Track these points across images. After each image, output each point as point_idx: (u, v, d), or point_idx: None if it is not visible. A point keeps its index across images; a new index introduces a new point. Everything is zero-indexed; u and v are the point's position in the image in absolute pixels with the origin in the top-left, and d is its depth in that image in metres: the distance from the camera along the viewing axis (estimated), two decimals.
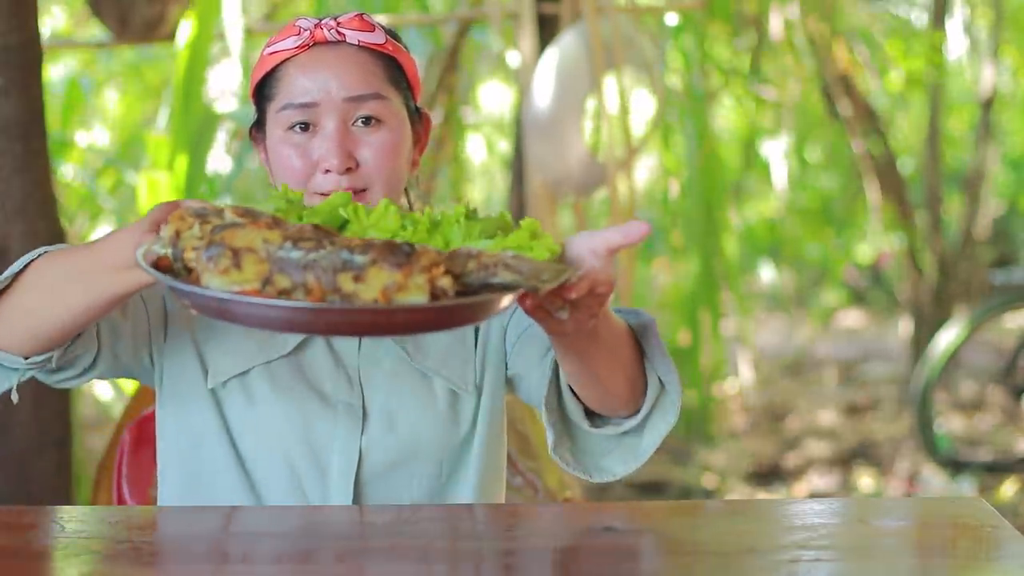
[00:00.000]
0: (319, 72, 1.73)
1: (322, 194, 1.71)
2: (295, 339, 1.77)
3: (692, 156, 5.80)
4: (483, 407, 1.80)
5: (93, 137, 6.59)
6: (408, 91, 1.79)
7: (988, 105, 7.48)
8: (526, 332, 1.77)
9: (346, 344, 1.78)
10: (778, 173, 7.78)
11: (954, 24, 7.78)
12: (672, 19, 5.60)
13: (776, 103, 7.15)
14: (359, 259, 1.29)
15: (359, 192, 1.72)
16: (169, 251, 1.36)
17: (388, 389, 1.76)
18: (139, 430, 2.13)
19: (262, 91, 1.78)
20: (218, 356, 1.76)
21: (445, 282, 1.29)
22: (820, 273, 9.75)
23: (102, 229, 6.12)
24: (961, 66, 9.06)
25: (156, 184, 4.02)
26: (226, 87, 4.13)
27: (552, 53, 4.07)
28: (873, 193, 7.01)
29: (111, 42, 4.25)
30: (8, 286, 1.59)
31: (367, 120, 1.73)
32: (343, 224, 1.47)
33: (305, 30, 1.74)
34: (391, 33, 1.80)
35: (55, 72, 5.68)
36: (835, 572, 1.43)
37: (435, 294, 1.29)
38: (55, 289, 1.56)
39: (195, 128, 4.04)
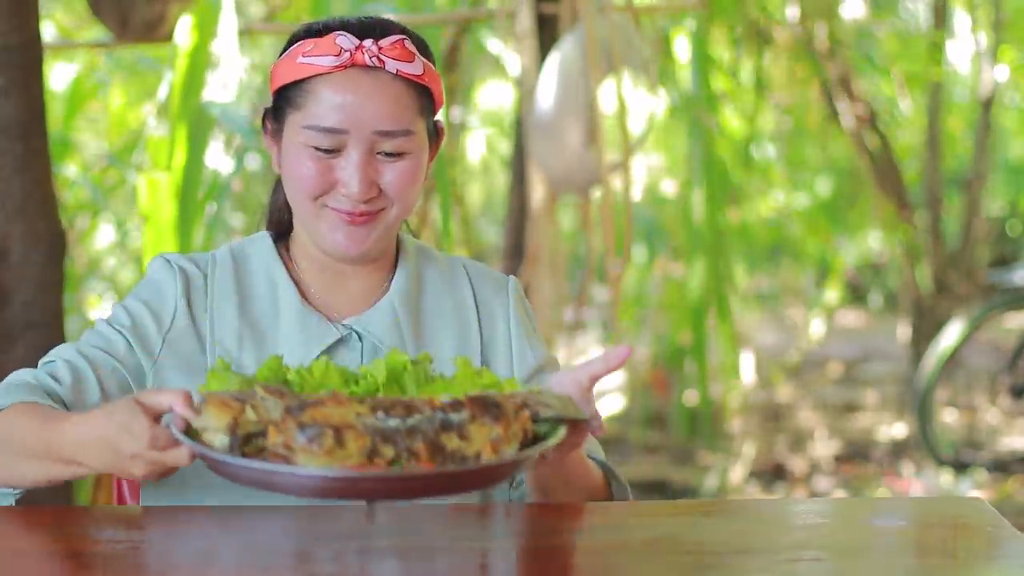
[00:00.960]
0: (352, 98, 1.69)
1: (336, 209, 1.72)
2: None
3: (693, 156, 5.80)
4: None
5: (93, 137, 6.59)
6: (432, 111, 1.78)
7: (988, 106, 7.47)
8: None
9: (348, 363, 1.77)
10: (778, 173, 7.78)
11: (954, 24, 7.78)
12: (672, 19, 5.60)
13: (776, 103, 7.15)
14: (457, 417, 1.36)
15: (369, 213, 1.72)
16: (228, 440, 1.36)
17: None
18: None
19: (286, 92, 1.74)
20: None
21: (530, 426, 1.40)
22: (820, 273, 9.74)
23: (102, 229, 6.12)
24: (961, 66, 9.05)
25: (156, 184, 4.02)
26: (225, 89, 4.13)
27: (556, 54, 4.07)
28: (873, 193, 7.01)
29: (111, 42, 4.25)
30: None
31: (392, 152, 1.72)
32: (285, 382, 1.53)
33: (345, 51, 1.69)
34: (422, 48, 1.76)
35: (56, 72, 5.68)
36: (835, 572, 1.43)
37: (524, 438, 1.39)
38: (14, 457, 1.60)
39: (194, 128, 4.03)
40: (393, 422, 1.34)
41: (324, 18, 1.78)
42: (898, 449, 6.08)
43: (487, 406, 1.38)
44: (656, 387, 6.69)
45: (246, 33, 4.44)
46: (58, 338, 2.80)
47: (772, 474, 5.76)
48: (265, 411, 1.37)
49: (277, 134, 1.78)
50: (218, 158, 4.42)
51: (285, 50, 1.77)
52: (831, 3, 6.60)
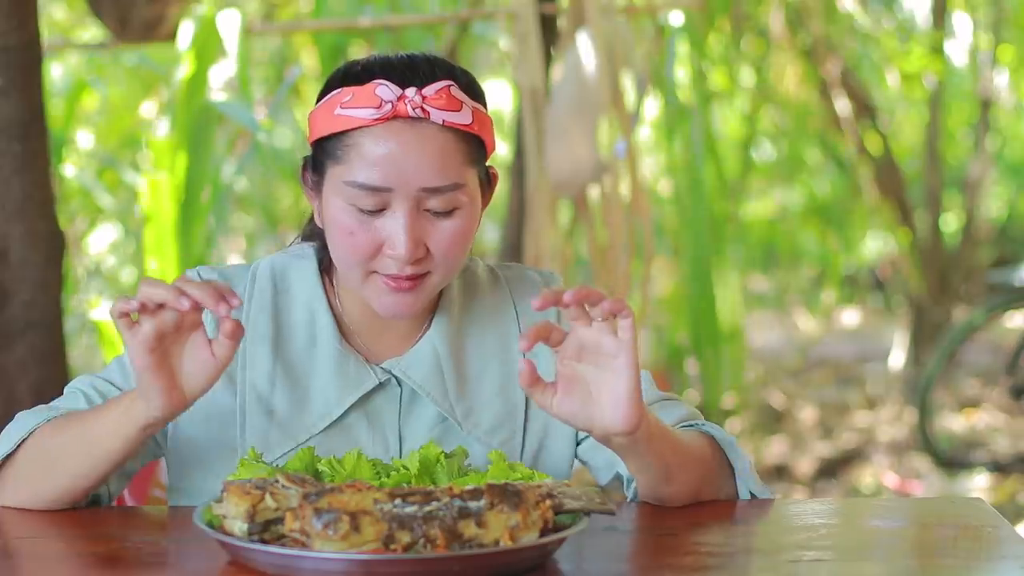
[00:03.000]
0: (396, 153, 1.56)
1: (383, 275, 1.60)
2: (330, 418, 1.68)
3: (691, 156, 5.79)
4: None
5: (92, 137, 6.59)
6: (484, 159, 1.66)
7: (988, 105, 7.48)
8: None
9: (386, 407, 1.70)
10: (777, 173, 7.78)
11: (954, 24, 7.78)
12: (672, 18, 5.59)
13: (776, 103, 7.15)
14: (475, 505, 1.36)
15: (416, 278, 1.61)
16: (246, 526, 1.38)
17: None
18: None
19: (324, 145, 1.62)
20: (255, 442, 1.67)
21: (550, 515, 1.40)
22: (820, 273, 9.74)
23: (102, 229, 6.13)
24: (961, 66, 9.05)
25: (157, 185, 4.02)
26: (227, 88, 4.13)
27: (568, 55, 4.09)
28: (872, 193, 7.01)
29: (111, 42, 4.25)
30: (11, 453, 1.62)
31: (441, 209, 1.60)
32: (316, 473, 1.53)
33: (387, 102, 1.56)
34: (471, 90, 1.63)
35: (56, 72, 5.68)
36: (835, 572, 1.43)
37: (545, 527, 1.40)
38: (58, 459, 1.59)
39: (196, 129, 4.03)
40: (410, 509, 1.35)
41: (364, 57, 1.66)
42: (898, 449, 6.07)
43: (506, 494, 1.38)
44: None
45: (246, 33, 4.42)
46: (58, 338, 2.80)
47: (772, 474, 5.75)
48: (285, 499, 1.39)
49: (317, 186, 1.66)
50: (221, 159, 4.42)
51: (323, 95, 1.65)
52: (830, 3, 6.60)
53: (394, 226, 1.58)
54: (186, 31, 3.94)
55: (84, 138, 5.94)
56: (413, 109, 1.57)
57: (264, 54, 6.84)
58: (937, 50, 7.11)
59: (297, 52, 6.49)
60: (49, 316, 2.78)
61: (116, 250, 6.25)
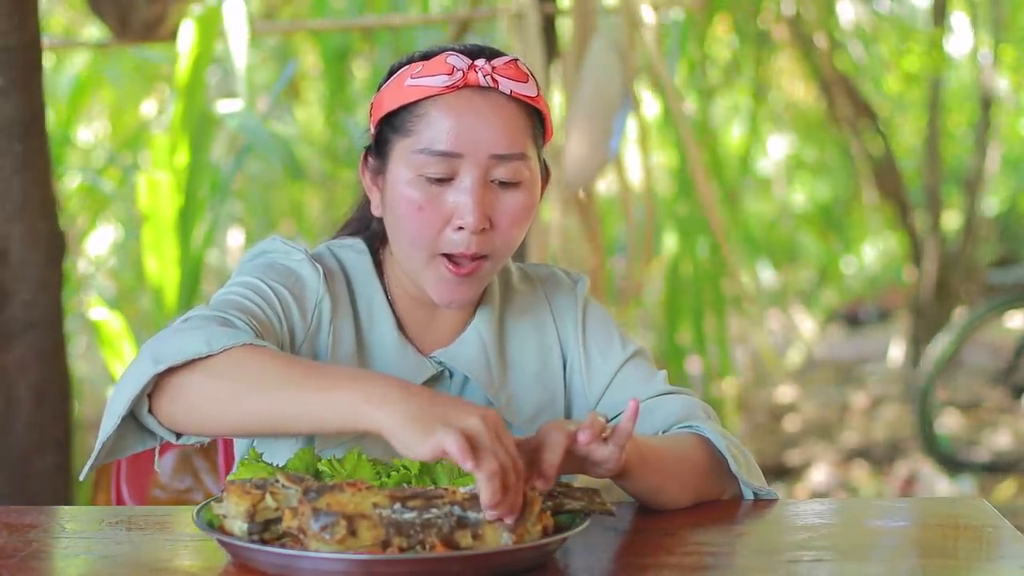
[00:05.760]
0: (467, 120, 1.59)
1: (446, 255, 1.62)
2: None
3: (691, 155, 5.80)
4: None
5: (94, 135, 6.59)
6: (542, 144, 1.69)
7: (988, 105, 7.48)
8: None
9: None
10: (777, 173, 7.78)
11: (954, 23, 7.78)
12: (672, 18, 5.60)
13: (775, 102, 7.15)
14: (474, 516, 1.36)
15: (478, 259, 1.63)
16: (246, 526, 1.38)
17: None
18: None
19: (392, 120, 1.64)
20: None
21: (548, 521, 1.40)
22: (820, 273, 9.76)
23: (103, 227, 6.12)
24: (961, 65, 9.05)
25: (157, 184, 4.03)
26: (228, 87, 4.13)
27: (588, 55, 4.10)
28: (872, 193, 7.01)
29: (111, 42, 4.25)
30: (192, 362, 1.46)
31: (507, 179, 1.62)
32: (316, 473, 1.50)
33: (458, 70, 1.60)
34: (535, 78, 1.67)
35: (56, 72, 5.68)
36: (835, 572, 1.43)
37: (543, 531, 1.40)
38: (251, 394, 1.44)
39: (196, 128, 4.04)
40: (409, 515, 1.35)
41: (424, 48, 1.69)
42: (898, 449, 6.08)
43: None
44: None
45: (248, 30, 4.42)
46: (58, 338, 2.80)
47: (772, 474, 5.76)
48: (285, 498, 1.39)
49: (379, 172, 1.68)
50: (220, 157, 4.42)
51: (386, 81, 1.68)
52: (829, 2, 6.61)
53: (463, 196, 1.60)
54: (187, 31, 3.94)
55: (87, 136, 5.95)
56: (484, 77, 1.60)
57: (265, 53, 6.85)
58: (937, 49, 7.11)
59: (297, 51, 6.50)
60: (49, 316, 2.78)
61: (117, 250, 6.25)
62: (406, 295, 1.73)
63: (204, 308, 1.58)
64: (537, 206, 1.67)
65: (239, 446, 1.81)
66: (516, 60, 1.64)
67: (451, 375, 1.74)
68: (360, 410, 1.37)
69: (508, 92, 1.61)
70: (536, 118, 1.66)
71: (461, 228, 1.61)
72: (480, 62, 1.61)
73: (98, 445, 1.50)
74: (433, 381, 1.72)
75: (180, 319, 1.56)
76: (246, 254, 1.75)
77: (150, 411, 1.49)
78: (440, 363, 1.73)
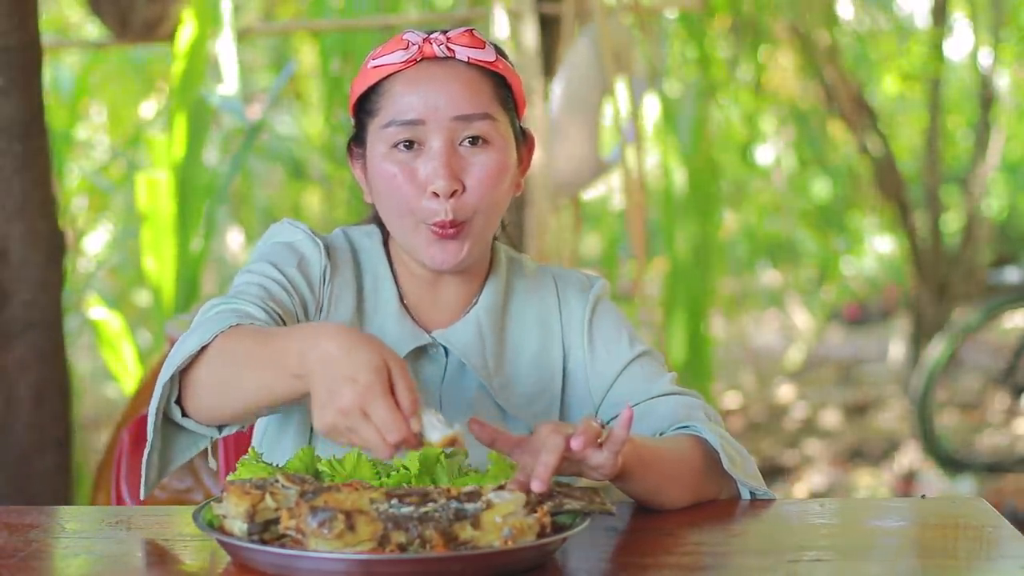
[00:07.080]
0: (426, 88, 1.66)
1: (430, 224, 1.66)
2: None
3: (690, 155, 5.80)
4: None
5: (94, 134, 6.59)
6: (515, 111, 1.74)
7: (988, 105, 7.47)
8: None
9: (431, 372, 1.75)
10: (777, 172, 7.78)
11: (954, 23, 7.78)
12: (671, 18, 5.60)
13: (775, 102, 7.15)
14: (472, 507, 1.38)
15: (459, 224, 1.67)
16: (246, 526, 1.38)
17: (466, 419, 1.61)
18: (137, 430, 2.12)
19: (363, 105, 1.72)
20: None
21: (547, 520, 1.41)
22: (820, 273, 9.75)
23: (103, 227, 6.12)
24: (961, 65, 9.05)
25: (154, 183, 4.03)
26: (223, 86, 4.13)
27: (569, 56, 4.09)
28: (872, 193, 7.00)
29: (111, 42, 4.25)
30: (195, 357, 1.53)
31: (474, 140, 1.67)
32: (316, 473, 1.53)
33: (413, 44, 1.68)
34: (498, 50, 1.73)
35: (56, 71, 5.68)
36: (835, 572, 1.43)
37: (542, 530, 1.40)
38: (234, 374, 1.50)
39: (192, 126, 4.04)
40: (406, 509, 1.36)
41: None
42: (898, 449, 6.08)
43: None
44: None
45: (245, 33, 4.43)
46: (58, 338, 2.80)
47: (772, 474, 5.75)
48: (284, 498, 1.40)
49: (362, 158, 1.75)
50: (216, 156, 4.42)
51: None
52: (829, 2, 6.60)
53: (432, 161, 1.66)
54: (183, 30, 3.95)
55: (87, 135, 5.95)
56: (439, 47, 1.68)
57: (263, 53, 6.85)
58: (937, 49, 7.11)
59: (296, 51, 6.50)
60: (49, 316, 2.78)
61: (116, 249, 6.25)
62: (410, 274, 1.78)
63: (219, 298, 1.65)
64: (513, 168, 1.72)
65: (258, 427, 1.82)
66: (472, 30, 1.70)
67: (447, 356, 1.76)
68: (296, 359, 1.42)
69: (466, 59, 1.68)
70: (501, 83, 1.71)
71: (436, 194, 1.66)
72: (435, 35, 1.69)
73: (145, 459, 1.57)
74: (426, 359, 1.75)
75: (199, 311, 1.64)
76: (259, 241, 1.81)
77: (185, 414, 1.57)
78: (435, 341, 1.76)
